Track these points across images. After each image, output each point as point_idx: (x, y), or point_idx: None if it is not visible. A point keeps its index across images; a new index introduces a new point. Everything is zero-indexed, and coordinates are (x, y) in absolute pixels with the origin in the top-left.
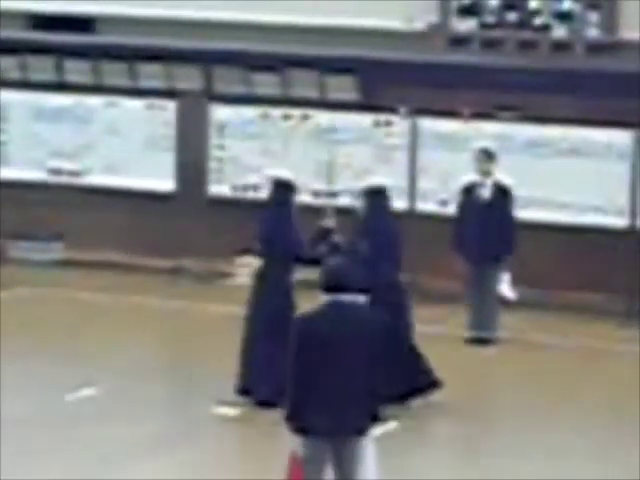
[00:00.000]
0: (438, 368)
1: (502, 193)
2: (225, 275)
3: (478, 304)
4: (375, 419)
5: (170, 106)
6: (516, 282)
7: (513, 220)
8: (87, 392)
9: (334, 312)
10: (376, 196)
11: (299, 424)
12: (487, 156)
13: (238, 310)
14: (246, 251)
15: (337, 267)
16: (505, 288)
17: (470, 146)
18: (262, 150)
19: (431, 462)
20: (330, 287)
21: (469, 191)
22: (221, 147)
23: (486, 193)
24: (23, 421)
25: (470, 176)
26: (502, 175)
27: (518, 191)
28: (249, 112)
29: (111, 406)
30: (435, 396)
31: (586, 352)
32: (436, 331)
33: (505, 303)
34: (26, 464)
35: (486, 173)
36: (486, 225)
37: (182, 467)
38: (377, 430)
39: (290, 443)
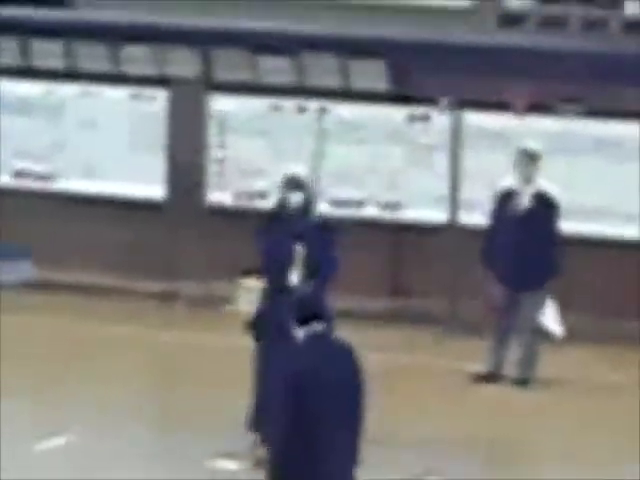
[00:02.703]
0: (479, 416)
1: (545, 204)
2: (226, 300)
3: (508, 336)
4: None
5: (160, 96)
6: (580, 309)
7: (557, 236)
8: (59, 441)
9: (325, 349)
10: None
11: None
12: (530, 158)
13: (241, 341)
14: (251, 272)
15: (310, 295)
16: (550, 320)
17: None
18: (271, 149)
19: None
20: (308, 317)
21: (506, 199)
22: (222, 146)
23: (524, 203)
24: None
25: (509, 181)
26: (547, 182)
27: (582, 200)
28: (256, 104)
29: (86, 458)
30: (466, 450)
31: None
32: (475, 370)
33: (550, 339)
34: None
35: (527, 179)
36: (523, 240)
37: None
38: None
39: None
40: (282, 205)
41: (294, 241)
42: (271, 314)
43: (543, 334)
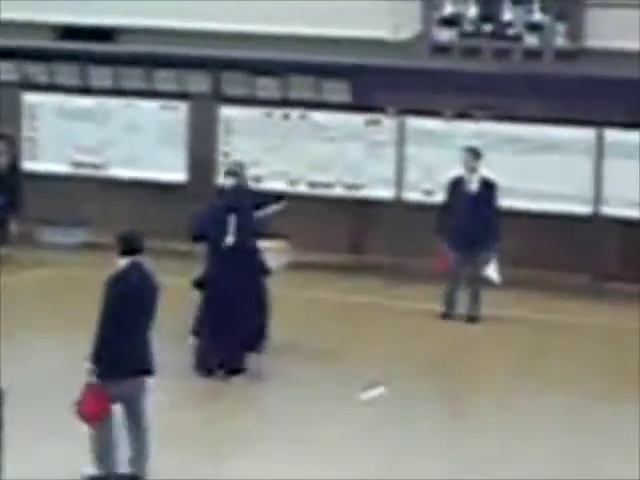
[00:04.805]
0: (426, 344)
1: (488, 187)
2: None
3: (459, 285)
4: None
5: (182, 107)
6: (511, 263)
7: (498, 210)
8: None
9: (139, 272)
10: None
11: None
12: (474, 155)
13: None
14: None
15: (133, 233)
16: (491, 271)
17: (451, 142)
18: (264, 146)
19: (414, 435)
20: (131, 250)
21: (456, 185)
22: (228, 143)
23: (474, 187)
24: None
25: (456, 171)
26: (486, 171)
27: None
28: (253, 112)
29: None
30: (422, 372)
31: (548, 324)
32: (420, 308)
33: (491, 284)
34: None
35: (472, 170)
36: (475, 216)
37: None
38: None
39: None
40: (223, 187)
41: (229, 213)
42: (218, 271)
43: (485, 281)
